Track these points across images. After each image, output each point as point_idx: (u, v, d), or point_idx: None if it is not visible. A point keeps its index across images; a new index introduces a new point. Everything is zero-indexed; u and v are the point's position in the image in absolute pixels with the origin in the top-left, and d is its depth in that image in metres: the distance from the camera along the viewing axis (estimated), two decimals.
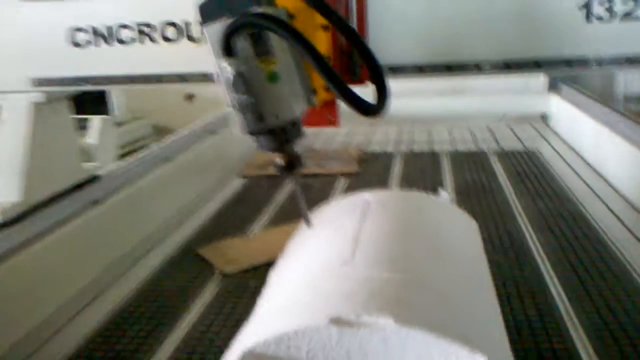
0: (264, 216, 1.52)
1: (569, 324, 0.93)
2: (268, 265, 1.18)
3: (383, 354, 0.65)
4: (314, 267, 0.82)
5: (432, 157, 2.03)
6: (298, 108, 0.77)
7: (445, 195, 1.11)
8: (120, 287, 1.15)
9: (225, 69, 0.72)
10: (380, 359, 0.65)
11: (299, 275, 0.82)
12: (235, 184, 1.82)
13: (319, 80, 0.84)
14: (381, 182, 1.78)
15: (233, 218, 1.53)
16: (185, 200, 1.63)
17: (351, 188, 1.72)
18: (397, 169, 1.91)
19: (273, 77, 0.74)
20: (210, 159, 1.86)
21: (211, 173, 1.84)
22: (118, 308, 1.07)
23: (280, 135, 0.76)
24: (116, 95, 3.22)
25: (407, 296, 0.72)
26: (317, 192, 1.68)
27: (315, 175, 1.84)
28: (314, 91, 0.82)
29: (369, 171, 1.91)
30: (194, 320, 1.01)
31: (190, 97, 3.42)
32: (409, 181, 1.76)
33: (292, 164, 0.78)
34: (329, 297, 0.72)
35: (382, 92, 0.78)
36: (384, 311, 0.67)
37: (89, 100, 2.78)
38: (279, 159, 0.78)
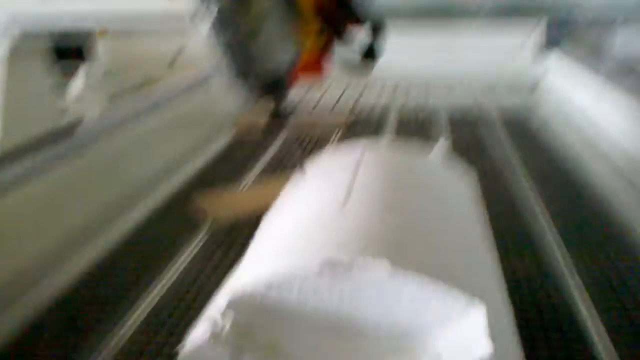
0: (253, 173, 1.48)
1: (569, 280, 0.90)
2: (260, 216, 1.16)
3: (377, 299, 0.63)
4: (307, 215, 0.79)
5: (429, 112, 1.98)
6: (288, 53, 0.76)
7: (444, 143, 1.07)
8: (106, 236, 1.12)
9: (212, 7, 0.68)
10: (374, 304, 0.63)
11: (290, 223, 0.79)
12: (225, 141, 1.77)
13: (310, 27, 0.81)
14: (376, 134, 1.74)
15: (222, 174, 1.49)
16: (173, 154, 1.59)
17: (345, 140, 1.68)
18: (392, 122, 1.87)
19: (261, 18, 0.71)
20: (199, 112, 1.80)
21: (200, 127, 1.80)
22: (104, 256, 1.04)
23: (270, 84, 0.75)
24: (103, 45, 3.12)
25: (403, 241, 0.69)
26: (311, 143, 1.64)
27: (308, 128, 1.79)
28: (303, 40, 0.80)
29: (364, 123, 1.87)
30: (182, 267, 0.99)
31: (172, 64, 3.33)
32: (404, 135, 1.73)
33: (283, 109, 0.78)
34: (322, 242, 0.69)
35: (377, 40, 0.83)
36: (380, 255, 0.64)
37: (75, 51, 2.68)
38: (268, 111, 0.78)
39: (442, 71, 2.41)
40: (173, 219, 1.19)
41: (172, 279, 0.95)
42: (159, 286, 0.93)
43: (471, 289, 0.62)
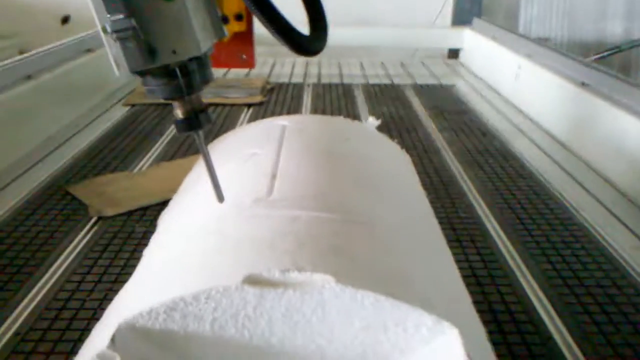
0: (153, 150, 1.27)
1: (517, 272, 0.80)
2: (159, 206, 0.97)
3: (318, 324, 0.47)
4: (219, 208, 0.62)
5: (344, 89, 1.85)
6: (204, 40, 0.53)
7: (374, 122, 0.93)
8: None
9: None
10: (313, 331, 0.47)
11: (198, 219, 0.62)
12: (118, 113, 1.54)
13: (230, 6, 0.62)
14: (292, 113, 1.58)
15: (114, 151, 1.26)
16: (52, 129, 1.35)
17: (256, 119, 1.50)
18: (307, 100, 1.72)
19: None
20: (85, 81, 1.55)
21: (87, 98, 1.55)
22: None
23: (179, 78, 0.52)
24: None
25: (347, 243, 0.54)
26: (216, 125, 1.46)
27: (213, 106, 1.60)
28: (224, 19, 0.59)
29: (276, 102, 1.70)
30: (59, 273, 0.78)
31: (65, 19, 2.98)
32: (323, 113, 1.58)
33: (196, 116, 0.54)
34: (240, 247, 0.53)
35: (323, 29, 0.64)
36: (319, 265, 0.49)
37: None
38: (178, 110, 0.54)
39: (354, 43, 2.29)
40: (50, 211, 0.97)
41: (44, 289, 0.74)
42: (25, 301, 0.72)
43: (438, 304, 0.49)
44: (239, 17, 0.68)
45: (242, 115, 1.54)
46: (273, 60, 2.23)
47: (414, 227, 0.64)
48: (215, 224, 0.58)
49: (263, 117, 1.53)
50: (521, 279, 0.78)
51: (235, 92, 1.72)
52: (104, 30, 0.48)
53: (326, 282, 0.46)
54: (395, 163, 0.81)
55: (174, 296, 0.46)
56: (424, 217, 0.69)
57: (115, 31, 0.48)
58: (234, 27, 0.65)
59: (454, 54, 2.42)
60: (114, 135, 1.37)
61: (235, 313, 0.46)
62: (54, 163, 1.18)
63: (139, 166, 1.18)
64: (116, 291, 0.73)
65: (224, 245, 0.53)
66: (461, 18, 2.56)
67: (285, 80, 1.96)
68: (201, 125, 0.54)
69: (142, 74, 0.51)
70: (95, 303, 0.71)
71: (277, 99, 1.72)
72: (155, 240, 0.64)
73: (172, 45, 0.50)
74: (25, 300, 0.72)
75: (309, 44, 0.61)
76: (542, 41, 2.09)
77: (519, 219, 0.95)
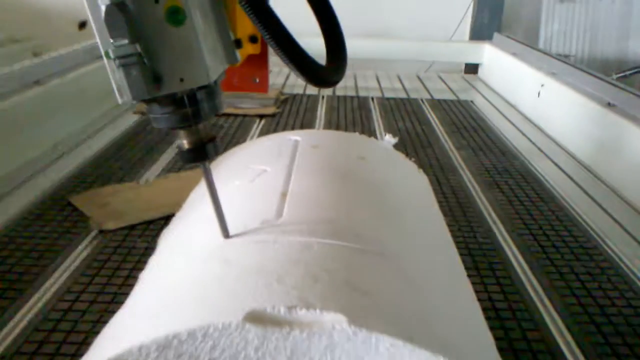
0: (161, 161, 1.24)
1: (539, 306, 0.75)
2: (163, 220, 0.93)
3: None
4: (221, 234, 0.57)
5: (359, 102, 1.81)
6: (214, 67, 0.48)
7: (391, 140, 0.88)
8: None
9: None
10: None
11: (199, 241, 0.57)
12: (127, 121, 1.51)
13: (244, 28, 0.57)
14: (306, 126, 1.54)
15: (121, 161, 1.23)
16: (59, 136, 1.31)
17: (269, 133, 1.47)
18: (321, 113, 1.68)
19: (176, 16, 0.45)
20: (95, 87, 1.52)
21: (96, 105, 1.51)
22: None
23: (186, 107, 0.47)
24: None
25: (361, 277, 0.49)
26: (227, 136, 1.42)
27: (225, 116, 1.57)
28: (237, 43, 0.54)
29: (289, 113, 1.66)
30: (53, 290, 0.74)
31: (83, 24, 2.97)
32: (337, 128, 1.54)
33: (203, 147, 0.49)
34: (244, 277, 0.48)
35: (342, 60, 0.59)
36: (330, 301, 0.44)
37: None
38: (183, 140, 0.49)
39: (371, 55, 2.24)
40: (50, 222, 0.93)
41: (36, 307, 0.70)
42: (14, 320, 0.68)
43: (460, 348, 0.44)
44: (253, 39, 0.62)
45: (254, 127, 1.50)
46: (288, 70, 2.19)
47: (433, 258, 0.59)
48: (218, 248, 0.54)
49: (275, 129, 1.50)
50: (544, 314, 0.73)
51: (247, 102, 1.68)
52: (107, 55, 0.44)
53: (337, 323, 0.41)
54: (413, 186, 0.77)
55: (167, 332, 0.41)
56: (443, 246, 0.64)
57: (119, 57, 0.43)
58: (248, 49, 0.60)
59: (471, 69, 2.37)
60: (122, 144, 1.34)
61: (235, 354, 0.42)
62: (59, 171, 1.15)
63: (145, 176, 1.14)
64: (112, 312, 0.69)
65: (227, 274, 0.48)
66: (479, 33, 2.52)
67: (299, 91, 1.92)
68: (208, 157, 0.50)
69: (147, 101, 0.47)
70: (88, 325, 0.67)
71: (291, 111, 1.68)
72: (153, 262, 0.60)
73: (180, 73, 0.45)
74: (15, 319, 0.68)
75: (328, 75, 0.55)
76: (564, 58, 2.03)
77: (541, 247, 0.90)
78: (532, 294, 0.77)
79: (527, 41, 2.32)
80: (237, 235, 0.54)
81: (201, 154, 0.49)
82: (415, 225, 0.64)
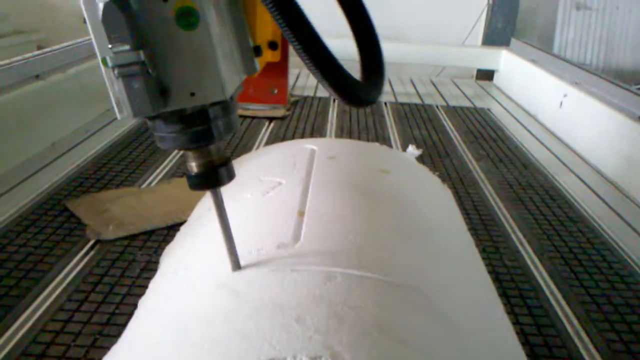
0: (165, 163, 1.17)
1: (577, 341, 0.68)
2: (166, 230, 0.87)
3: None
4: (230, 266, 0.50)
5: (372, 106, 1.74)
6: (231, 80, 0.40)
7: (415, 152, 0.82)
8: None
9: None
10: None
11: (207, 267, 0.51)
12: (131, 120, 1.44)
13: (264, 33, 0.49)
14: (317, 131, 1.47)
15: (122, 162, 1.16)
16: (59, 134, 1.25)
17: (278, 137, 1.40)
18: (332, 116, 1.61)
19: (188, 18, 0.37)
20: (99, 83, 1.45)
21: (99, 102, 1.45)
22: None
23: (197, 125, 0.40)
24: None
25: (393, 318, 0.43)
26: (234, 138, 1.36)
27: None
28: (257, 50, 0.45)
29: (299, 116, 1.59)
30: (44, 308, 0.67)
31: None
32: (350, 134, 1.47)
33: (214, 171, 0.42)
34: (259, 314, 0.42)
35: (381, 75, 0.48)
36: (361, 352, 0.38)
37: None
38: (192, 163, 0.42)
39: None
40: (44, 229, 0.87)
41: (25, 327, 0.64)
42: (3, 338, 0.62)
43: None
44: (272, 46, 0.54)
45: (263, 130, 1.44)
46: (298, 71, 2.13)
47: (470, 290, 0.52)
48: (229, 276, 0.47)
49: (285, 132, 1.43)
50: (583, 351, 0.66)
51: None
52: (104, 62, 0.36)
53: None
54: (440, 203, 0.70)
55: None
56: (478, 274, 0.57)
57: (118, 66, 0.36)
58: (267, 56, 0.52)
59: (484, 74, 2.31)
60: (125, 144, 1.27)
61: None
62: (57, 172, 1.09)
63: (148, 180, 1.08)
64: (107, 336, 0.63)
65: (238, 311, 0.42)
66: (492, 38, 2.45)
67: (310, 93, 1.86)
68: (220, 182, 0.42)
69: (151, 117, 0.39)
70: (80, 351, 0.60)
71: (301, 114, 1.62)
72: (155, 289, 0.53)
73: (190, 86, 0.38)
74: (0, 341, 0.61)
75: (367, 93, 0.44)
76: (586, 66, 1.96)
77: (574, 273, 0.83)
78: (568, 326, 0.70)
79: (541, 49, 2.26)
80: (249, 265, 0.47)
81: (212, 180, 0.42)
82: (449, 252, 0.57)
